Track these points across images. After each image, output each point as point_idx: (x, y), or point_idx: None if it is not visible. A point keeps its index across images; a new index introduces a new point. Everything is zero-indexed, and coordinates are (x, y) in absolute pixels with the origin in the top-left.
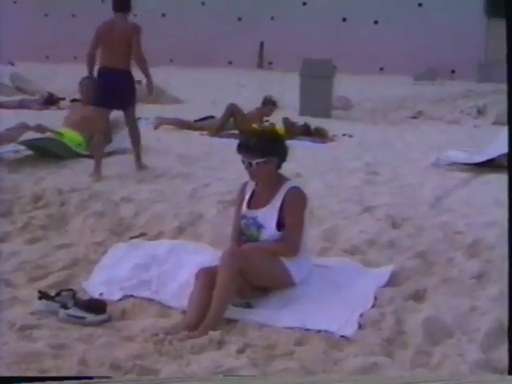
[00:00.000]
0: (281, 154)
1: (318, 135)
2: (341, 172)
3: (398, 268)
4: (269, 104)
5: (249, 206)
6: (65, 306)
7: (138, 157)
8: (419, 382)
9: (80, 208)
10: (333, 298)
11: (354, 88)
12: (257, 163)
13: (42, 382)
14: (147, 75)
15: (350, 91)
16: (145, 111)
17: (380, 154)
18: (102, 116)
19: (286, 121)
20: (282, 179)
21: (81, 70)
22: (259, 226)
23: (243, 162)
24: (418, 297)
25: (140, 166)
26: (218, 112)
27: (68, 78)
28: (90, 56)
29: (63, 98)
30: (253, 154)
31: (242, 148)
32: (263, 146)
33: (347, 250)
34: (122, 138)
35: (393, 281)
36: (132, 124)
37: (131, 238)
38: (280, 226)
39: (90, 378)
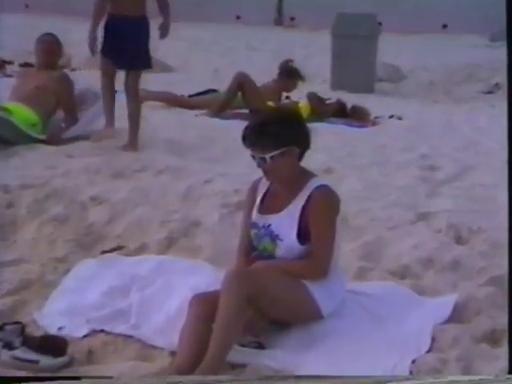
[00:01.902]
0: (302, 140)
1: (356, 117)
2: (386, 166)
3: (465, 298)
4: (289, 74)
5: (261, 211)
6: (9, 346)
7: (132, 136)
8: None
9: (34, 211)
10: (375, 337)
11: (406, 52)
12: (271, 157)
13: (42, 382)
14: (166, 14)
15: (401, 57)
16: (121, 81)
17: (440, 143)
18: (104, 66)
19: (312, 97)
20: (305, 175)
21: (36, 23)
22: (274, 238)
23: (253, 157)
24: (494, 338)
25: (132, 146)
26: (221, 84)
27: (17, 34)
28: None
29: (10, 62)
30: (264, 145)
31: (248, 138)
32: (277, 132)
33: (395, 272)
34: (90, 118)
35: (458, 315)
36: (133, 93)
37: (103, 252)
38: (303, 237)
39: (91, 377)
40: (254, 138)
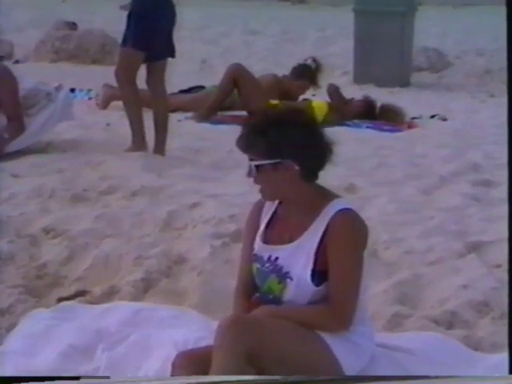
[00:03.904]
0: (306, 157)
1: (387, 118)
2: (427, 181)
3: None
4: (300, 74)
5: (266, 240)
6: None
7: (161, 138)
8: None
9: None
10: None
11: (453, 33)
12: (257, 166)
13: (42, 382)
14: None
15: (445, 39)
16: (83, 76)
17: (497, 150)
18: (137, 63)
19: (332, 91)
20: (323, 197)
21: None
22: (283, 276)
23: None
24: None
25: (160, 150)
26: (211, 79)
27: None
28: None
29: None
30: (256, 149)
31: (241, 138)
32: (266, 135)
33: (438, 320)
34: (41, 124)
35: None
36: (162, 88)
37: (61, 299)
38: (318, 276)
39: (91, 377)
40: (248, 137)
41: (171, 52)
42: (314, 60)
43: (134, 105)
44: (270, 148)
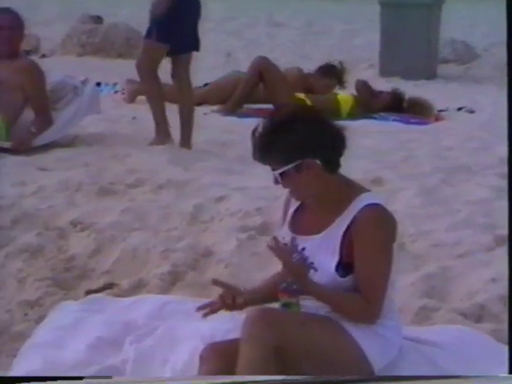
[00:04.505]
0: (324, 149)
1: (415, 111)
2: (454, 175)
3: None
4: (327, 72)
5: (294, 230)
6: None
7: (187, 131)
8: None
9: None
10: None
11: (481, 24)
12: (282, 174)
13: (42, 382)
14: None
15: (473, 31)
16: (108, 70)
17: None
18: (160, 55)
19: (360, 86)
20: (350, 190)
21: None
22: (307, 266)
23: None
24: None
25: (186, 143)
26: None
27: None
28: None
29: None
30: (272, 159)
31: (254, 151)
32: (286, 143)
33: (467, 313)
34: (68, 118)
35: None
36: (187, 81)
37: (89, 292)
38: (344, 268)
39: (91, 377)
40: (260, 150)
41: (196, 45)
42: (341, 63)
43: (156, 97)
44: (287, 153)
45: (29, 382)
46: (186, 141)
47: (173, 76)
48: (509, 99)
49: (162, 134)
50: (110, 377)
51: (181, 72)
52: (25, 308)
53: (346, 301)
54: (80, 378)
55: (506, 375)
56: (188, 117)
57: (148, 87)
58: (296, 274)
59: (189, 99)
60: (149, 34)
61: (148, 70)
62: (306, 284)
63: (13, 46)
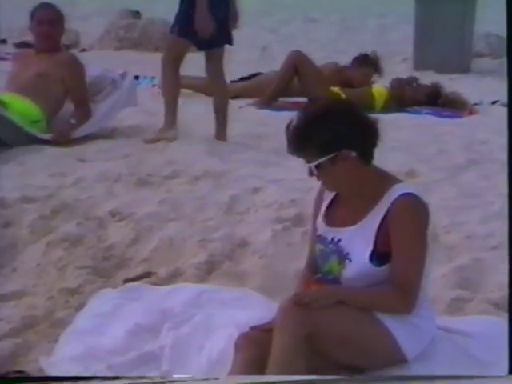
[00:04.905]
0: (358, 141)
1: (449, 105)
2: (488, 167)
3: None
4: (363, 62)
5: (329, 222)
6: None
7: (221, 126)
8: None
9: (38, 230)
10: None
11: None
12: (317, 166)
13: (42, 382)
14: None
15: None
16: (146, 63)
17: None
18: (181, 50)
19: (396, 84)
20: (384, 181)
21: None
22: (343, 257)
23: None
24: None
25: (222, 136)
26: (271, 66)
27: (11, 5)
28: None
29: (3, 41)
30: (307, 152)
31: (289, 144)
32: (321, 136)
33: (500, 304)
34: (107, 111)
35: None
36: (217, 75)
37: (127, 280)
38: (378, 257)
39: (91, 378)
40: (294, 143)
41: (228, 39)
42: (374, 52)
43: (170, 92)
44: (322, 146)
45: (30, 381)
46: (220, 133)
47: (206, 70)
48: (509, 100)
49: (169, 121)
50: (117, 377)
51: (213, 66)
52: (65, 295)
53: (380, 297)
54: (77, 378)
55: (506, 375)
56: (222, 109)
57: (164, 80)
58: (329, 296)
59: (222, 92)
60: (172, 29)
61: (168, 64)
62: (341, 295)
63: (53, 40)
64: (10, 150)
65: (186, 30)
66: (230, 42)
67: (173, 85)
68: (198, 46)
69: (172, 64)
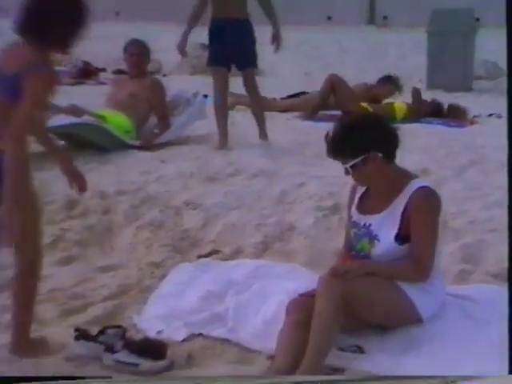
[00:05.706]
0: (384, 144)
1: (454, 115)
2: (486, 166)
3: None
4: (387, 80)
5: (361, 211)
6: (111, 349)
7: (261, 127)
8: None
9: (130, 217)
10: (476, 340)
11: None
12: (352, 167)
13: (42, 382)
14: (274, 23)
15: (502, 53)
16: (209, 85)
17: None
18: (221, 76)
19: (415, 92)
20: (405, 176)
21: (127, 30)
22: (373, 238)
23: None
24: None
25: (263, 136)
26: (312, 87)
27: (109, 41)
28: (201, 4)
29: (103, 69)
30: (342, 155)
31: (328, 149)
32: (354, 141)
33: (497, 275)
34: (183, 123)
35: None
36: (254, 89)
37: (199, 256)
38: (401, 238)
39: (91, 378)
40: (333, 148)
41: (252, 62)
42: (394, 74)
43: (220, 111)
44: (355, 149)
45: (30, 382)
46: (262, 133)
47: (245, 87)
48: (509, 101)
49: (222, 139)
50: (109, 377)
51: (247, 84)
52: (151, 268)
53: (401, 269)
54: (77, 378)
55: (506, 375)
56: (260, 116)
57: (216, 105)
58: (360, 269)
59: (257, 102)
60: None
61: (216, 89)
62: (371, 267)
63: (141, 68)
64: (108, 154)
65: (211, 60)
66: (254, 65)
67: (220, 105)
68: (236, 67)
69: (218, 87)
